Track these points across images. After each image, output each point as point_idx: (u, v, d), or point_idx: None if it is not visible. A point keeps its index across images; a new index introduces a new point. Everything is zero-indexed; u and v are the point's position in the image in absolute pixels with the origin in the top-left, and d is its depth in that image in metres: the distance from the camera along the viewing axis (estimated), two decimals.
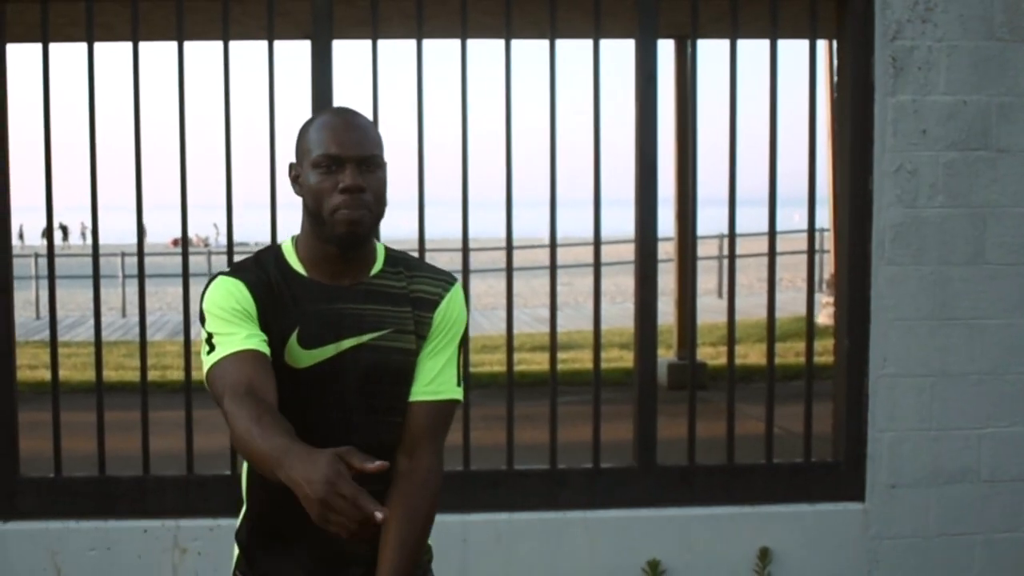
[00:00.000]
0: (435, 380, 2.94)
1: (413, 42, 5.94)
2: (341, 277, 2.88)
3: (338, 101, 5.99)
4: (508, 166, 6.03)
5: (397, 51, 6.37)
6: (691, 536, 6.08)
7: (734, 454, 6.23)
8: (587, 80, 6.01)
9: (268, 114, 5.91)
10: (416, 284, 2.96)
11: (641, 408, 6.15)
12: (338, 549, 2.94)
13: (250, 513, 3.06)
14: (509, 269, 6.21)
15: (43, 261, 17.05)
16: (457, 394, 2.98)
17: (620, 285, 23.43)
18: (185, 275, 6.16)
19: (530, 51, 6.42)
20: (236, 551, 3.11)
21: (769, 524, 6.12)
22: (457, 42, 5.98)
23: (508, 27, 5.98)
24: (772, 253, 6.25)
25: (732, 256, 6.24)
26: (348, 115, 2.86)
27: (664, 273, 12.77)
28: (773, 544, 6.09)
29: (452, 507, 6.00)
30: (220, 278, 2.85)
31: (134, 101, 5.87)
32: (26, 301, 20.56)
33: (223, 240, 37.09)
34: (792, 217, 6.87)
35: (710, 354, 12.15)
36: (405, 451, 2.92)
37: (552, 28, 5.99)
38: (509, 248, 6.16)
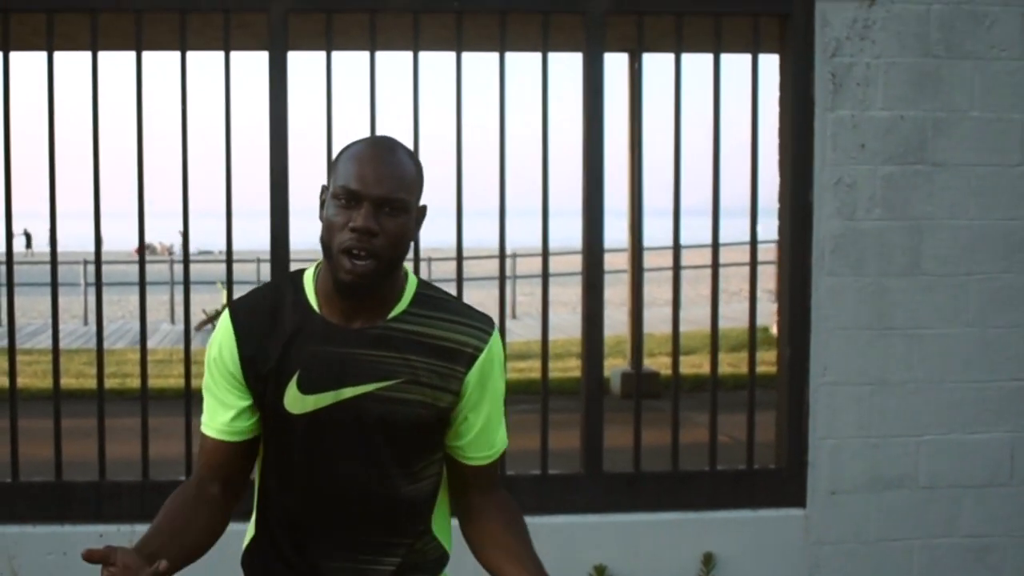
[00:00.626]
0: (487, 441, 2.82)
1: (367, 54, 6.08)
2: (353, 318, 2.69)
3: (293, 112, 6.11)
4: (459, 176, 6.16)
5: (352, 63, 6.50)
6: (637, 541, 6.22)
7: (679, 461, 6.37)
8: (539, 92, 6.16)
9: (224, 124, 6.04)
10: (444, 331, 2.72)
11: (588, 415, 6.29)
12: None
13: (260, 534, 2.94)
14: (459, 280, 6.35)
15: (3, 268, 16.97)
16: (505, 443, 2.90)
17: (579, 295, 23.50)
18: (142, 284, 6.28)
19: (482, 63, 6.55)
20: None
21: (713, 530, 6.27)
22: (410, 54, 6.12)
23: (459, 40, 6.13)
24: (715, 264, 6.42)
25: (676, 266, 6.40)
26: (383, 148, 2.66)
27: (621, 284, 12.99)
28: (717, 549, 6.24)
29: None
30: (225, 314, 2.78)
31: (93, 110, 6.00)
32: None
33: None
34: (745, 229, 7.03)
35: (665, 363, 12.10)
36: (473, 492, 2.87)
37: (502, 41, 6.13)
38: (459, 258, 6.29)
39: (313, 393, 2.68)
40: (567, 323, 16.49)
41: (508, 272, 23.15)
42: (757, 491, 6.38)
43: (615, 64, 9.26)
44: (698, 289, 20.03)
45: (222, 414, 2.74)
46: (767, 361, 8.06)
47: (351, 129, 6.73)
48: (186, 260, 6.29)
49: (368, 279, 2.58)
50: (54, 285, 6.15)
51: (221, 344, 2.73)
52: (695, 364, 11.80)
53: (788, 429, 6.33)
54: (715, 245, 6.38)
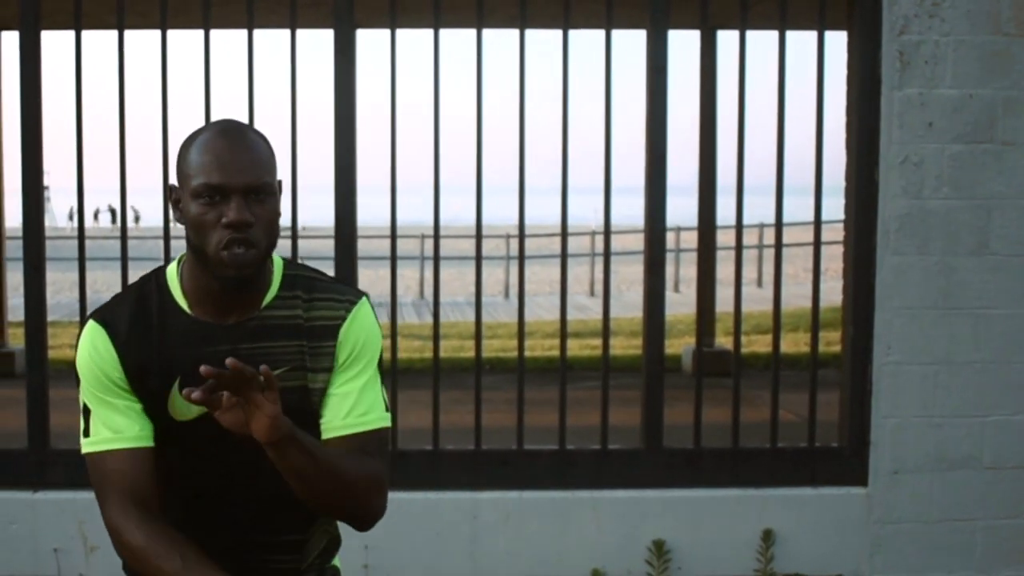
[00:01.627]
0: (354, 411, 2.67)
1: (432, 31, 6.18)
2: (227, 313, 2.61)
3: (361, 90, 6.24)
4: (522, 154, 6.26)
5: (418, 40, 6.60)
6: (696, 517, 6.29)
7: (739, 438, 6.44)
8: (600, 70, 6.23)
9: (290, 103, 6.18)
10: (314, 311, 2.67)
11: (648, 391, 6.37)
12: None
13: None
14: (521, 256, 6.44)
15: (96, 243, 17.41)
16: (384, 420, 2.71)
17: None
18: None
19: (545, 41, 6.63)
20: None
21: (773, 507, 6.32)
22: (474, 31, 6.22)
23: (523, 17, 6.21)
24: (779, 242, 6.47)
25: (739, 244, 6.45)
26: (234, 134, 2.54)
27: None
28: (777, 526, 6.30)
29: (462, 484, 6.28)
30: (90, 325, 2.63)
31: (162, 89, 6.15)
32: (72, 282, 20.95)
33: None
34: (828, 206, 7.06)
35: (744, 342, 12.02)
36: None
37: (566, 18, 6.21)
38: (521, 236, 6.38)
39: None
40: (634, 301, 16.57)
41: (587, 250, 23.28)
42: (819, 469, 6.42)
43: (677, 41, 9.32)
44: (785, 268, 19.97)
45: (132, 423, 2.60)
46: (836, 340, 8.08)
47: (415, 106, 6.87)
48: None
49: (250, 268, 2.50)
50: (125, 261, 6.32)
51: (101, 359, 2.59)
52: (769, 343, 11.77)
53: (851, 408, 6.37)
54: (779, 224, 6.43)
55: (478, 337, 6.52)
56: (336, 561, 2.97)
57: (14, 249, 8.84)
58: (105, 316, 2.63)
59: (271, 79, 7.30)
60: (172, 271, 2.66)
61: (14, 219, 9.31)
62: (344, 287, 2.75)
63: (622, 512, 6.28)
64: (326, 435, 2.66)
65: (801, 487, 6.40)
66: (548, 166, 6.50)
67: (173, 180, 2.64)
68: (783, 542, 6.30)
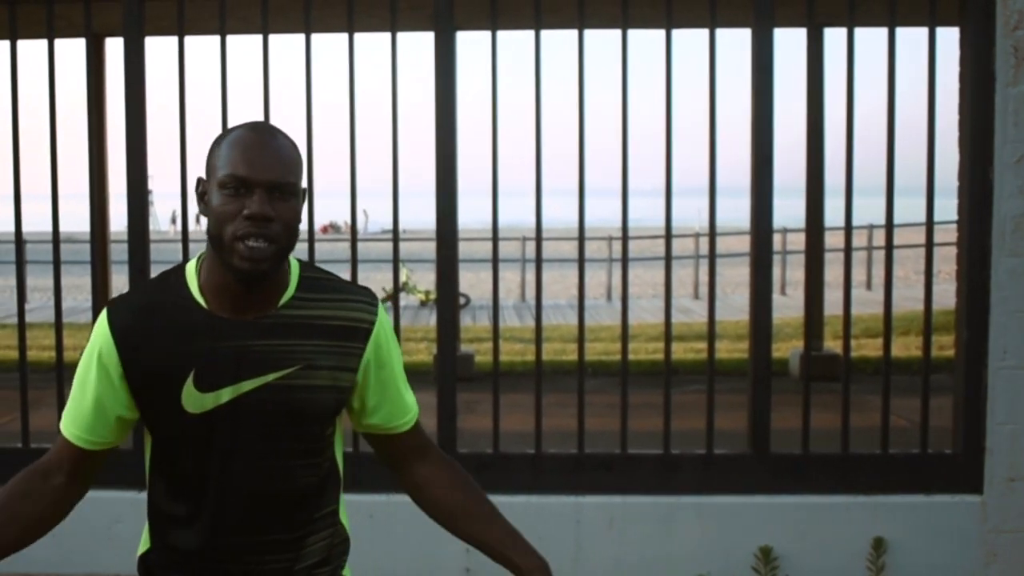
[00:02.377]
0: (396, 409, 2.86)
1: (532, 32, 6.19)
2: (244, 310, 2.65)
3: (461, 92, 6.28)
4: (624, 155, 6.25)
5: (518, 42, 6.62)
6: (804, 524, 6.23)
7: (849, 443, 6.37)
8: (705, 69, 6.21)
9: (391, 106, 6.22)
10: (334, 310, 2.74)
11: (755, 395, 6.33)
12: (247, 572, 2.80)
13: (155, 543, 2.88)
14: (625, 258, 6.43)
15: (199, 247, 17.62)
16: (416, 409, 2.92)
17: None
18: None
19: (645, 40, 6.62)
20: (145, 539, 2.95)
21: (884, 514, 6.24)
22: (575, 32, 6.22)
23: (625, 17, 6.20)
24: (889, 244, 6.39)
25: (848, 246, 6.39)
26: (265, 133, 2.63)
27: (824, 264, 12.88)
28: (888, 534, 6.21)
29: (565, 488, 6.29)
30: (103, 316, 2.70)
31: (264, 91, 6.25)
32: None
33: (372, 227, 37.58)
34: (941, 207, 6.94)
35: (852, 346, 11.87)
36: (409, 463, 2.94)
37: (668, 18, 6.20)
38: (624, 238, 6.37)
39: (211, 390, 2.63)
40: (744, 303, 16.47)
41: (691, 252, 23.20)
42: (931, 476, 6.32)
43: (783, 40, 9.21)
44: (895, 270, 19.76)
45: (87, 422, 2.71)
46: (949, 344, 7.96)
47: (516, 108, 6.89)
48: (353, 238, 6.53)
49: (266, 263, 2.54)
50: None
51: (101, 348, 2.67)
52: (879, 347, 11.65)
53: (965, 413, 6.27)
54: (889, 225, 6.35)
55: (581, 340, 6.52)
56: (347, 572, 3.02)
57: (119, 253, 9.01)
58: (117, 310, 2.69)
59: (372, 82, 7.37)
60: (191, 267, 2.71)
61: (118, 223, 9.50)
62: (359, 288, 2.82)
63: (728, 518, 6.24)
64: (393, 431, 2.88)
65: (913, 494, 6.30)
66: (651, 167, 6.49)
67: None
68: (894, 551, 6.21)
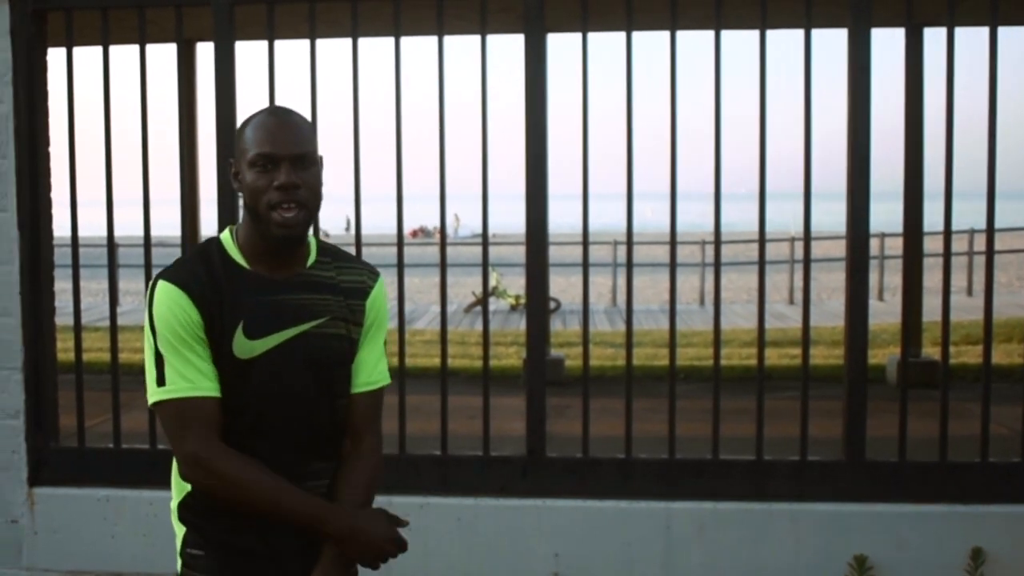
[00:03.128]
0: (374, 371, 3.25)
1: (623, 34, 6.21)
2: (281, 269, 3.09)
3: (552, 94, 6.31)
4: (717, 159, 6.25)
5: (609, 44, 6.64)
6: (900, 532, 6.18)
7: (947, 451, 6.31)
8: (795, 70, 6.19)
9: (481, 108, 6.27)
10: (345, 274, 3.21)
11: (850, 402, 6.30)
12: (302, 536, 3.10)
13: (197, 492, 3.11)
14: (717, 263, 6.43)
15: None
16: (388, 378, 3.31)
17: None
18: (400, 266, 6.61)
19: (736, 41, 6.60)
20: (182, 530, 3.21)
21: (983, 524, 6.17)
22: (667, 33, 6.23)
23: (718, 18, 6.20)
24: (990, 249, 6.32)
25: (947, 251, 6.34)
26: (282, 114, 3.07)
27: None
28: (987, 544, 6.14)
29: (656, 494, 6.30)
30: (163, 285, 3.02)
31: (353, 96, 6.32)
32: None
33: (463, 231, 37.73)
34: None
35: (950, 352, 11.71)
36: (349, 436, 3.23)
37: (763, 19, 6.18)
38: (717, 242, 6.37)
39: (259, 338, 3.03)
40: (840, 309, 16.32)
41: (785, 257, 23.06)
42: None
43: (880, 40, 9.15)
44: (998, 276, 19.48)
45: (206, 375, 3.02)
46: None
47: (606, 111, 6.90)
48: (443, 242, 6.59)
49: (300, 228, 3.01)
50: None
51: (183, 313, 2.99)
52: (979, 354, 11.51)
53: None
54: (990, 229, 6.28)
55: (672, 345, 6.53)
56: None
57: None
58: (178, 276, 3.04)
59: (461, 85, 7.43)
60: (227, 237, 3.14)
61: (208, 228, 9.62)
62: (364, 260, 3.34)
63: (822, 526, 6.21)
64: (356, 390, 3.23)
65: (1014, 504, 6.22)
66: (745, 171, 6.48)
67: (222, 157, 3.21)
68: (994, 562, 6.14)
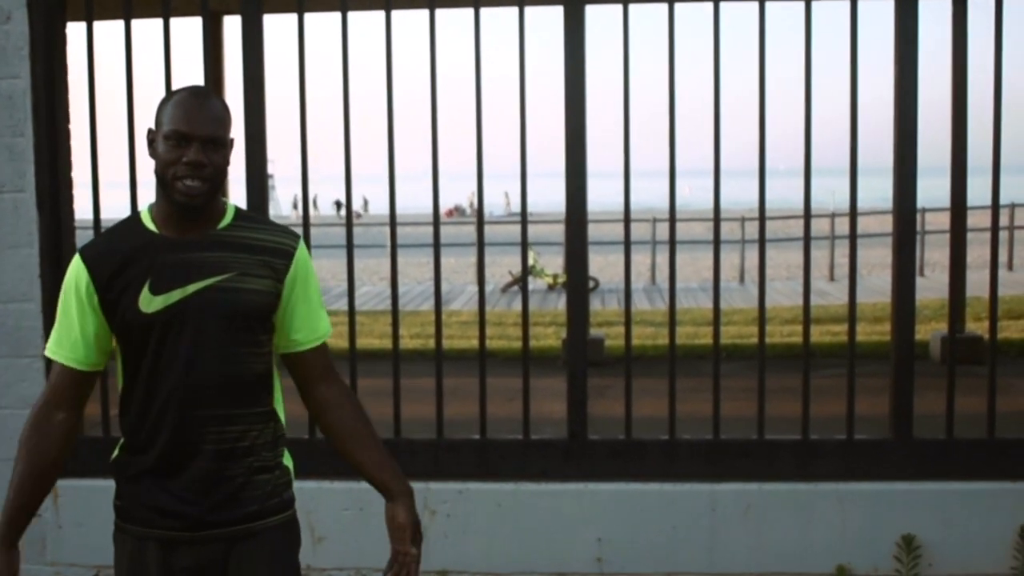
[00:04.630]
0: (315, 325, 3.54)
1: (664, 5, 6.21)
2: (190, 231, 3.38)
3: (590, 66, 6.31)
4: (762, 134, 6.24)
5: (649, 16, 6.63)
6: (948, 511, 6.20)
7: (995, 428, 6.31)
8: (841, 42, 6.18)
9: (519, 83, 6.28)
10: (266, 235, 3.46)
11: (897, 379, 6.30)
12: (211, 475, 3.42)
13: (127, 443, 3.53)
14: (762, 240, 6.43)
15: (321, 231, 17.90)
16: (329, 328, 3.59)
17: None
18: (436, 246, 6.63)
19: (780, 12, 6.57)
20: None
21: None
22: (710, 5, 6.23)
23: None
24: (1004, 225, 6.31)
25: (995, 225, 6.34)
26: (202, 97, 3.37)
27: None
28: None
29: (701, 475, 6.33)
30: (77, 254, 3.43)
31: (387, 70, 6.32)
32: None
33: (496, 211, 37.48)
34: None
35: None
36: (315, 384, 3.56)
37: None
38: (762, 219, 6.37)
39: (163, 293, 3.33)
40: (887, 285, 16.21)
41: (826, 233, 22.98)
42: None
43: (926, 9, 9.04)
44: None
45: (78, 347, 3.41)
46: None
47: (647, 85, 6.91)
48: (480, 221, 6.62)
49: (200, 199, 3.30)
50: (350, 249, 6.48)
51: (77, 281, 3.39)
52: (1023, 328, 11.50)
53: None
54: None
55: (716, 323, 6.55)
56: (287, 460, 3.66)
57: None
58: (84, 249, 3.43)
59: (499, 59, 7.43)
60: (145, 209, 3.48)
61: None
62: (284, 226, 3.58)
63: (869, 505, 6.23)
64: (300, 347, 3.53)
65: None
66: (787, 146, 6.47)
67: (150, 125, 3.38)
68: None
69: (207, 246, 3.38)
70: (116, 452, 3.55)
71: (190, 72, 7.15)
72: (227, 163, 3.39)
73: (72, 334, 3.40)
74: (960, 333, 10.25)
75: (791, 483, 6.30)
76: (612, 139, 6.29)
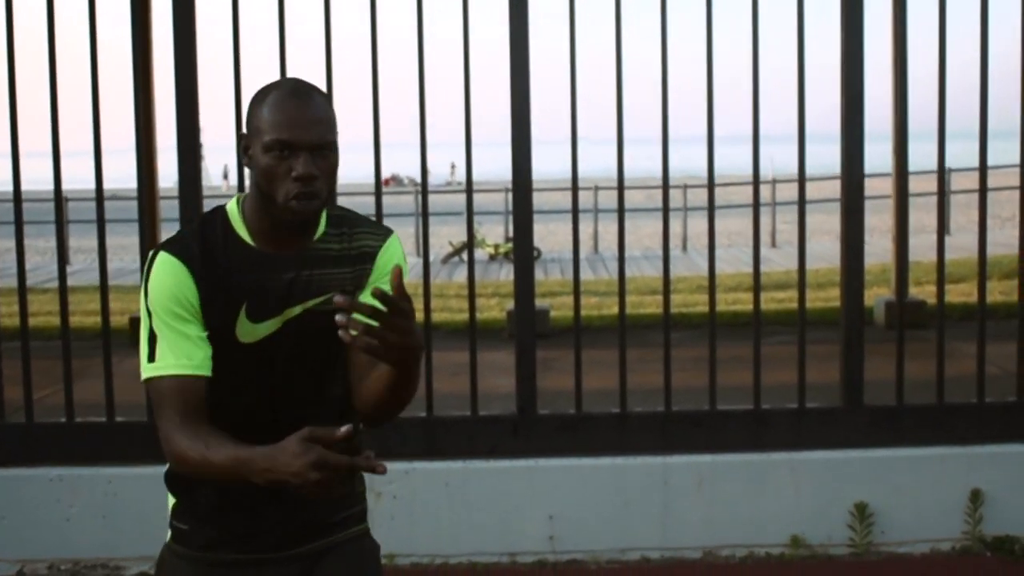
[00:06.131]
0: None
1: None
2: (287, 246, 3.04)
3: (535, 38, 6.27)
4: (710, 100, 6.26)
5: None
6: (899, 477, 6.27)
7: (944, 393, 6.38)
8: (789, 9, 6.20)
9: (463, 50, 6.25)
10: (357, 241, 3.16)
11: (847, 346, 6.35)
12: (303, 510, 3.13)
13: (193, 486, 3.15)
14: (711, 206, 6.44)
15: None
16: None
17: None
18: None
19: None
20: (172, 500, 3.23)
21: (981, 465, 6.27)
22: None
23: None
24: (983, 187, 6.41)
25: (942, 191, 6.41)
26: (303, 95, 2.98)
27: (886, 211, 12.84)
28: (985, 486, 6.24)
29: (652, 449, 6.34)
30: (163, 256, 2.99)
31: (325, 34, 6.27)
32: None
33: (435, 180, 37.01)
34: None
35: (932, 292, 11.80)
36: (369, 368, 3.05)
37: None
38: (711, 185, 6.39)
39: (262, 320, 3.03)
40: (829, 251, 16.36)
41: (767, 199, 23.12)
42: None
43: None
44: (968, 215, 19.58)
45: (197, 351, 2.98)
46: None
47: (593, 55, 6.89)
48: (424, 191, 6.58)
49: (313, 214, 2.97)
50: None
51: (179, 286, 2.97)
52: (964, 293, 11.60)
53: None
54: (983, 168, 6.34)
55: (666, 292, 6.56)
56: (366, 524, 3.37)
57: (168, 210, 8.94)
58: (177, 248, 3.01)
59: (441, 25, 7.36)
60: (233, 209, 3.10)
61: (167, 179, 9.37)
62: (378, 223, 3.28)
63: (821, 474, 6.28)
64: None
65: (1011, 443, 6.33)
66: (723, 114, 6.47)
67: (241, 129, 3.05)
68: (992, 502, 6.22)
69: (305, 263, 3.06)
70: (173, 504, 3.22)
71: (116, 31, 6.91)
72: (336, 170, 3.03)
73: (183, 343, 2.96)
74: (902, 298, 10.39)
75: (743, 454, 6.33)
76: (552, 107, 6.25)
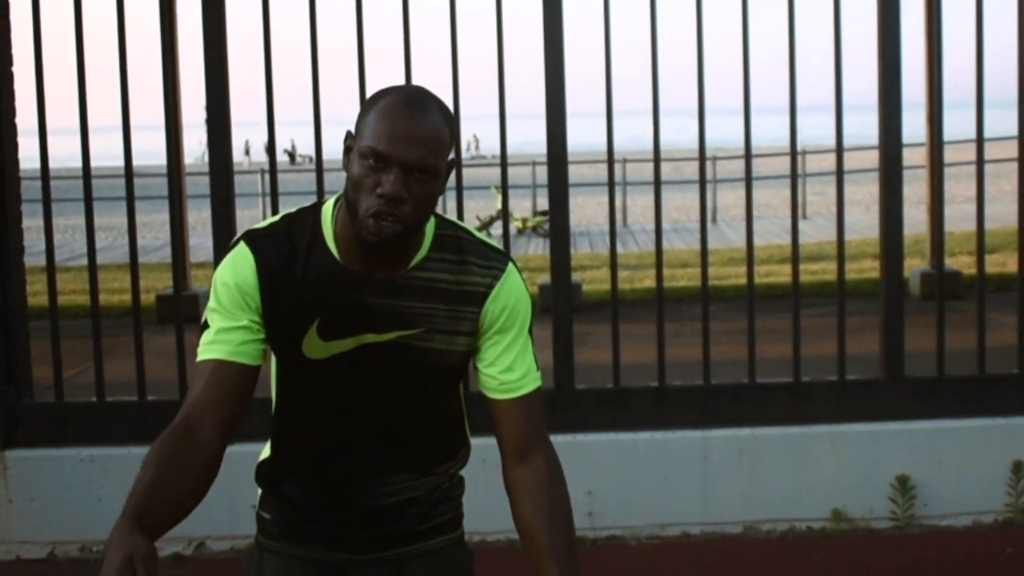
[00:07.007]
0: (511, 378, 2.87)
1: None
2: (375, 267, 2.75)
3: (569, 11, 6.26)
4: (746, 73, 6.25)
5: None
6: (941, 449, 6.26)
7: (985, 364, 6.38)
8: None
9: (496, 24, 6.25)
10: (463, 275, 2.81)
11: (888, 318, 6.34)
12: (389, 507, 2.97)
13: (276, 454, 3.04)
14: (748, 177, 6.44)
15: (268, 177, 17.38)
16: (537, 382, 2.92)
17: (875, 193, 23.28)
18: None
19: None
20: (260, 490, 3.11)
21: (1023, 437, 6.26)
22: None
23: None
24: (1023, 157, 6.36)
25: (980, 160, 6.38)
26: (416, 106, 2.67)
27: (918, 181, 12.80)
28: None
29: (692, 423, 6.34)
30: (241, 246, 2.79)
31: (356, 4, 6.27)
32: (253, 218, 21.49)
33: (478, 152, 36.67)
34: None
35: (967, 263, 11.77)
36: (513, 456, 2.97)
37: None
38: (748, 156, 6.38)
39: (334, 340, 2.77)
40: (860, 223, 16.33)
41: (799, 171, 23.07)
42: None
43: None
44: (1000, 185, 19.48)
45: (236, 335, 2.74)
46: None
47: (628, 27, 6.88)
48: (459, 165, 6.56)
49: (393, 242, 2.65)
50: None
51: (241, 274, 2.75)
52: (999, 263, 11.55)
53: None
54: (1022, 137, 6.31)
55: (704, 263, 6.58)
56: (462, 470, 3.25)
57: (191, 187, 8.86)
58: (257, 242, 2.78)
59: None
60: (328, 212, 2.81)
61: (192, 155, 9.32)
62: (491, 251, 2.86)
63: (862, 447, 6.28)
64: (495, 396, 2.89)
65: None
66: (770, 85, 6.47)
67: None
68: None
69: (395, 291, 2.76)
70: (266, 455, 3.06)
71: (142, 8, 6.91)
72: (435, 198, 2.68)
73: (232, 326, 2.75)
74: (942, 269, 10.37)
75: (784, 427, 6.33)
76: (578, 79, 6.23)
